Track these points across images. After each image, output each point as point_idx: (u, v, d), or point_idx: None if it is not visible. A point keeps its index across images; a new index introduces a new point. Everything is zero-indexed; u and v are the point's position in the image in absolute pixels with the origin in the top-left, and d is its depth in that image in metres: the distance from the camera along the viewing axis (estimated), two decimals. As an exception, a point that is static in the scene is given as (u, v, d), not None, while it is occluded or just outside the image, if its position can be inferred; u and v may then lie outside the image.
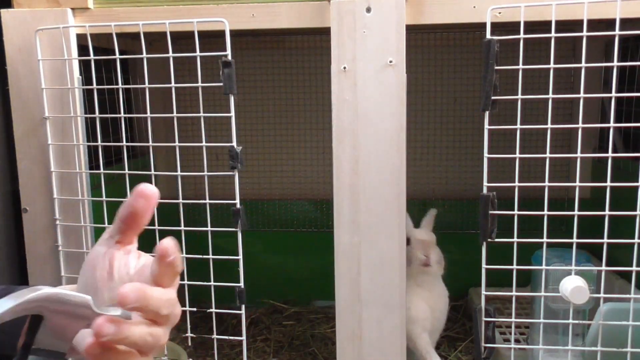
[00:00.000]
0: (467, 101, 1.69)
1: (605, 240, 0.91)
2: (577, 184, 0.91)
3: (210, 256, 1.03)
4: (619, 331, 0.94)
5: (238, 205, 1.00)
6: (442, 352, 1.43)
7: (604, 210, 0.91)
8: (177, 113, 1.01)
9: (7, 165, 1.20)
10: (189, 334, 1.08)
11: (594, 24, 0.92)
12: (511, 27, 0.97)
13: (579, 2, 0.91)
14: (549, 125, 0.91)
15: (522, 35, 0.90)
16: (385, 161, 1.00)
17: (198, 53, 0.97)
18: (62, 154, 1.08)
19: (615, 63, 0.91)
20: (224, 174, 1.00)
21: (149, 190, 0.50)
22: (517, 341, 1.38)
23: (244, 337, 1.05)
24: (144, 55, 1.00)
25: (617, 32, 0.89)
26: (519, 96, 0.91)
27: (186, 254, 1.04)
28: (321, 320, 1.71)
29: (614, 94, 0.91)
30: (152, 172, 1.04)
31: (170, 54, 0.98)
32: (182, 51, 1.01)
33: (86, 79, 1.08)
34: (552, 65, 0.90)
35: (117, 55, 1.00)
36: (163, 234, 1.04)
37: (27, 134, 1.09)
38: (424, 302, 1.28)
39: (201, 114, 0.99)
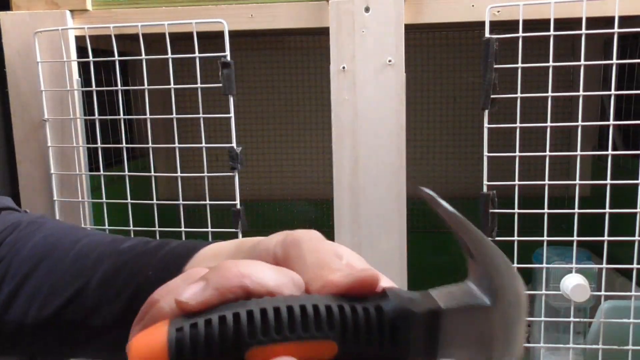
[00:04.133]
0: (466, 100, 1.69)
1: (606, 238, 0.91)
2: (577, 182, 0.91)
3: (211, 257, 1.02)
4: (620, 329, 0.94)
5: (238, 206, 1.00)
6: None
7: (604, 208, 0.91)
8: (176, 114, 1.01)
9: (7, 168, 1.20)
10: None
11: (593, 22, 0.92)
12: (510, 25, 0.97)
13: (577, 0, 0.91)
14: (549, 124, 0.91)
15: (521, 34, 0.90)
16: (385, 161, 1.00)
17: (197, 54, 0.97)
18: (62, 156, 1.08)
19: (615, 61, 0.91)
20: (224, 174, 1.00)
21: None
22: (518, 340, 1.37)
23: (245, 338, 1.05)
24: (143, 56, 0.99)
25: (616, 29, 0.89)
26: (519, 94, 0.91)
27: (187, 255, 1.03)
28: (322, 320, 1.71)
29: (613, 92, 0.91)
30: (152, 173, 1.04)
31: (169, 55, 0.98)
32: (181, 52, 1.01)
33: (85, 80, 1.08)
34: (551, 63, 0.90)
35: (116, 57, 1.00)
36: (163, 235, 1.04)
37: (26, 137, 1.09)
38: None
39: (200, 115, 0.99)
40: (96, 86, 1.03)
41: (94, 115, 1.05)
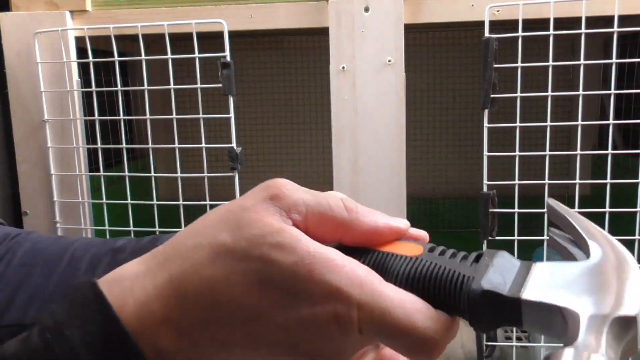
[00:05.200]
0: (466, 99, 1.69)
1: (606, 237, 0.91)
2: (577, 181, 0.91)
3: (211, 257, 1.02)
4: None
5: (238, 206, 1.00)
6: (444, 350, 1.43)
7: (604, 207, 0.91)
8: (176, 114, 1.01)
9: (7, 168, 1.20)
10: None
11: (593, 21, 0.92)
12: (510, 25, 0.97)
13: None
14: (549, 123, 0.91)
15: (520, 33, 0.90)
16: (385, 160, 1.00)
17: (197, 54, 0.97)
18: (62, 157, 1.08)
19: (614, 60, 0.91)
20: (224, 174, 1.00)
21: None
22: (518, 339, 1.38)
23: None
24: (143, 57, 1.00)
25: (615, 29, 0.89)
26: (518, 94, 0.91)
27: (187, 255, 1.03)
28: (323, 320, 1.71)
29: (613, 91, 0.91)
30: (152, 173, 1.04)
31: (169, 55, 0.98)
32: (181, 52, 1.01)
33: (85, 81, 1.08)
34: (551, 62, 0.90)
35: (116, 58, 1.00)
36: (164, 236, 1.04)
37: (26, 137, 1.09)
38: None
39: (200, 115, 0.99)
40: (96, 87, 1.03)
41: (93, 115, 1.05)
